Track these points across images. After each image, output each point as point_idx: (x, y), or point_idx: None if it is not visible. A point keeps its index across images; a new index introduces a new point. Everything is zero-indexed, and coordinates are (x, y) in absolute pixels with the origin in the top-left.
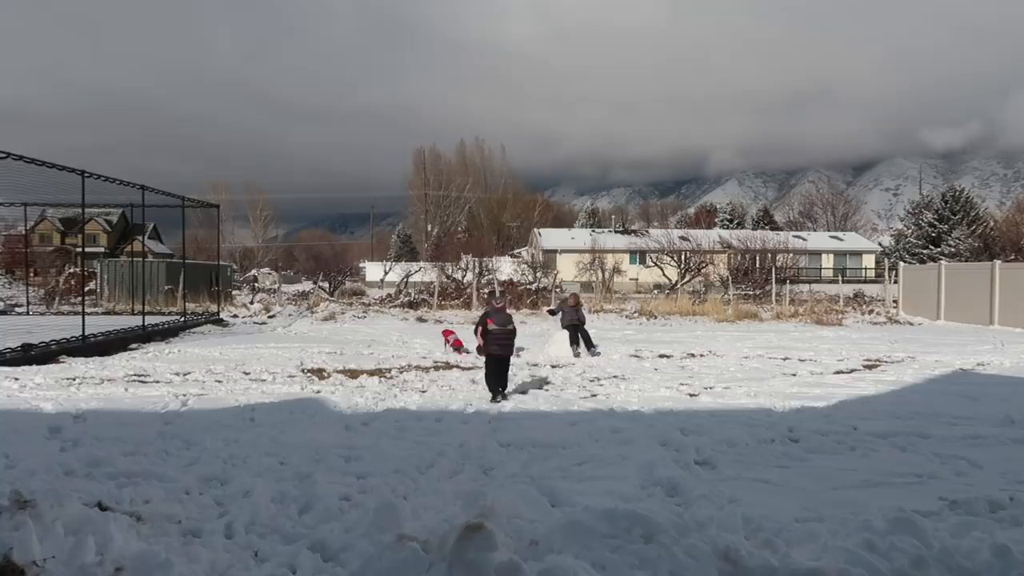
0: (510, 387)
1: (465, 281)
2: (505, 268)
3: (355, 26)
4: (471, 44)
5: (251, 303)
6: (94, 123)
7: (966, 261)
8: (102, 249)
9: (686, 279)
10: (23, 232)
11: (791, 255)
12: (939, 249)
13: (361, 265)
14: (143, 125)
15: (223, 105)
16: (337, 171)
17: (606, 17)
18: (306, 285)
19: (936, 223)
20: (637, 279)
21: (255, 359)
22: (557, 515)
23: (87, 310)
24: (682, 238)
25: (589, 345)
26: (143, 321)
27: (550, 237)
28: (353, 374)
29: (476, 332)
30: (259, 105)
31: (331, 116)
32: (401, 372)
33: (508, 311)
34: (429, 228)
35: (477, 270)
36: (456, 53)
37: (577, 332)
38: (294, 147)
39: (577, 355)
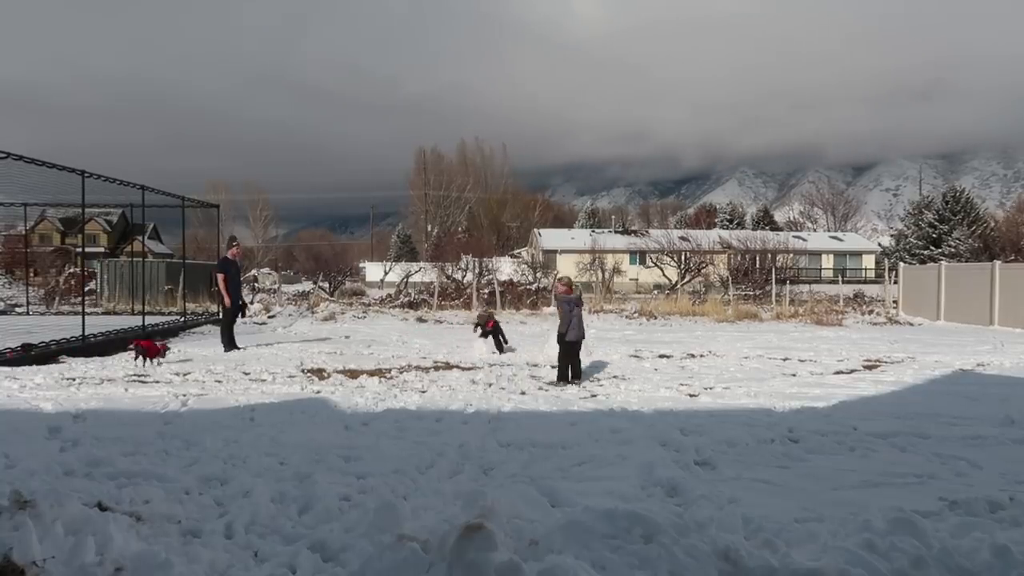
0: (511, 386)
1: (465, 281)
2: (505, 268)
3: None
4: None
5: (251, 303)
6: (95, 119)
7: (966, 261)
8: (102, 249)
9: (686, 279)
10: (23, 232)
11: (791, 255)
12: (939, 250)
13: (361, 265)
14: (147, 121)
15: (236, 99)
16: (348, 169)
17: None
18: (306, 285)
19: (936, 223)
20: (637, 279)
21: (255, 359)
22: (557, 515)
23: (87, 310)
24: (682, 238)
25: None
26: (143, 321)
27: (550, 237)
28: (353, 374)
29: None
30: (269, 103)
31: (340, 114)
32: (401, 372)
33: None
34: (429, 228)
35: (477, 270)
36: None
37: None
38: (303, 145)
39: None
